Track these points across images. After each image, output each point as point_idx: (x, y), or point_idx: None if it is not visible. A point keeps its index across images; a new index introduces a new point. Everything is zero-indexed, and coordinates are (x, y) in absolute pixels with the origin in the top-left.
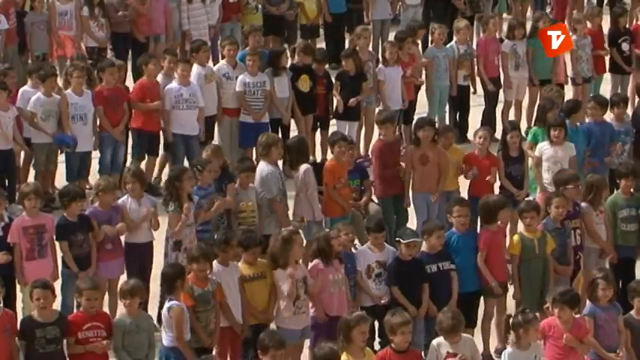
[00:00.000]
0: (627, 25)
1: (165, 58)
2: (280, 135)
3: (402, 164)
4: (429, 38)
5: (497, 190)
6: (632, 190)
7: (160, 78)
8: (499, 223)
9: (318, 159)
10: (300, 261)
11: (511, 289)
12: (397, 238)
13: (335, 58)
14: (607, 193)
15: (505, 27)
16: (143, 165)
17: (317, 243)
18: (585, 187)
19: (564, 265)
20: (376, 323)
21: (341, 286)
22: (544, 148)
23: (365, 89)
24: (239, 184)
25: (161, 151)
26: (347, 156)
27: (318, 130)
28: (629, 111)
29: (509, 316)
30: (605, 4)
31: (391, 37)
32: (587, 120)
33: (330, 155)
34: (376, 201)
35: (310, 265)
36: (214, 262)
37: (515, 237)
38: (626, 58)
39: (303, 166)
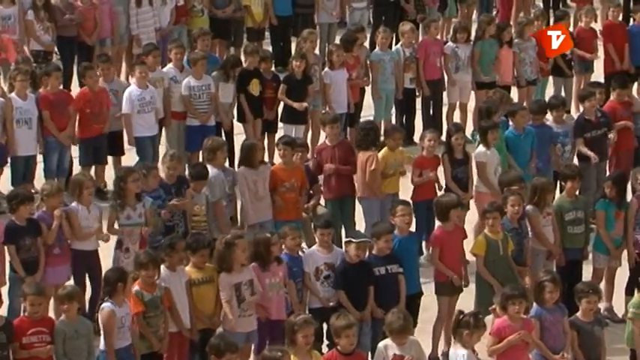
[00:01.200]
0: (570, 29)
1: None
2: (225, 138)
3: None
4: (375, 41)
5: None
6: (576, 192)
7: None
8: (454, 222)
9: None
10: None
11: (468, 290)
12: (348, 239)
13: (281, 61)
14: (553, 195)
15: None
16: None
17: (255, 247)
18: (531, 190)
19: (521, 266)
20: (325, 325)
21: (279, 290)
22: (482, 151)
23: (311, 92)
24: (193, 187)
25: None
26: (297, 159)
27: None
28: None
29: (460, 312)
30: (550, 7)
31: (337, 40)
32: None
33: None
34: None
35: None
36: (162, 267)
37: (480, 237)
38: (568, 62)
39: (239, 170)
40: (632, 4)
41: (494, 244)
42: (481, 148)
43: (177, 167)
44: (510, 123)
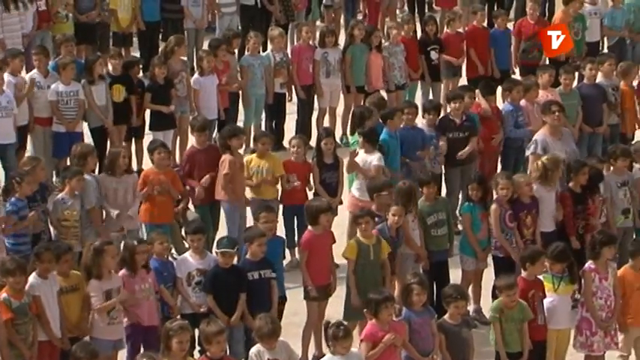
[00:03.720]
0: (437, 34)
1: None
2: (99, 144)
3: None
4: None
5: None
6: (434, 195)
7: None
8: (323, 226)
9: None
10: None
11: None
12: (215, 248)
13: (148, 66)
14: (417, 198)
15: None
16: None
17: (122, 253)
18: (397, 194)
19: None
20: (197, 331)
21: (149, 295)
22: (360, 156)
23: (174, 97)
24: (67, 191)
25: None
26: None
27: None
28: None
29: (327, 322)
30: (416, 12)
31: (205, 45)
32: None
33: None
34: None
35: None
36: (34, 275)
37: (352, 242)
38: (435, 66)
39: (99, 177)
40: (495, 8)
41: (365, 248)
42: (363, 153)
43: (40, 174)
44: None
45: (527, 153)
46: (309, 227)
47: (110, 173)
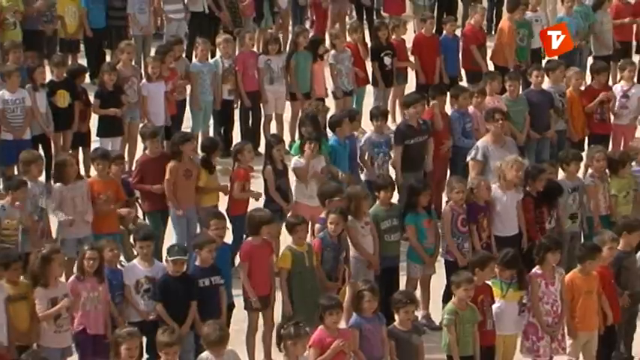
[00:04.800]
0: (388, 40)
1: None
2: (43, 151)
3: None
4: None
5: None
6: (390, 201)
7: None
8: (264, 236)
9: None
10: (63, 279)
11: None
12: (167, 254)
13: (96, 73)
14: (368, 204)
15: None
16: None
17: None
18: (346, 200)
19: (334, 282)
20: (144, 339)
21: (97, 304)
22: (299, 162)
23: (124, 102)
24: (9, 200)
25: None
26: (113, 172)
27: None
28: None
29: (280, 326)
30: (364, 18)
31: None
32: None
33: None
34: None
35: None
36: None
37: (285, 251)
38: (388, 72)
39: (55, 187)
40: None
41: (299, 255)
42: (298, 158)
43: None
44: (332, 133)
45: (468, 158)
46: (249, 238)
47: (60, 181)
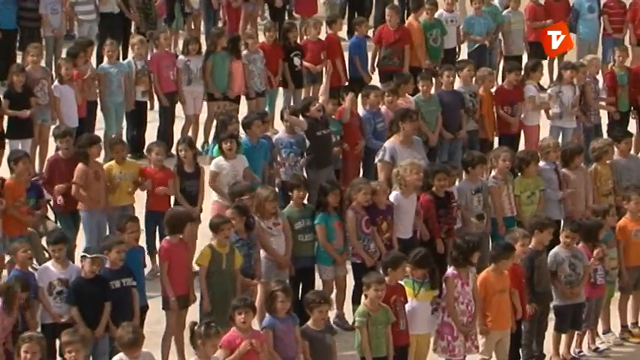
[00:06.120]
0: (297, 40)
1: None
2: None
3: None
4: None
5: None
6: (303, 201)
7: None
8: (181, 236)
9: None
10: None
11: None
12: (83, 254)
13: (5, 74)
14: (273, 205)
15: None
16: None
17: None
18: (252, 199)
19: (250, 278)
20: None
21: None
22: (220, 162)
23: (33, 104)
24: None
25: None
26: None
27: None
28: None
29: (194, 323)
30: (276, 19)
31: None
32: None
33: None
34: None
35: None
36: None
37: (206, 248)
38: (297, 72)
39: None
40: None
41: (218, 256)
42: (218, 158)
43: None
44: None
45: (376, 160)
46: (167, 237)
47: None
